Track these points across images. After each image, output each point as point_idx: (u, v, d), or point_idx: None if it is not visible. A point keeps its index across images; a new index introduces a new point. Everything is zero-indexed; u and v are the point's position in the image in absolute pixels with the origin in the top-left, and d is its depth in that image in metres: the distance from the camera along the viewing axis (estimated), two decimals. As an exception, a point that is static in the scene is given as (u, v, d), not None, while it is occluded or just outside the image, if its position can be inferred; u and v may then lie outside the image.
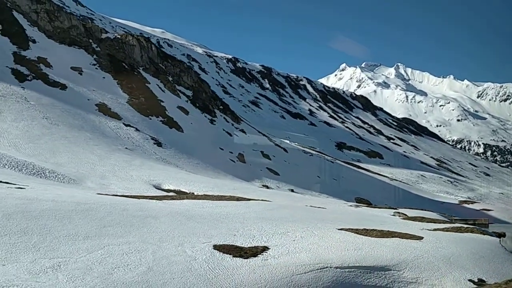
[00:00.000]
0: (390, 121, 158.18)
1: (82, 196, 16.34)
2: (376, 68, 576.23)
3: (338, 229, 14.85)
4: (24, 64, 47.02)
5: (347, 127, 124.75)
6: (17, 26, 53.68)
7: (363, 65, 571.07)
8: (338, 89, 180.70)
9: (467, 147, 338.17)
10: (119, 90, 51.53)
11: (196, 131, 50.97)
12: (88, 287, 8.60)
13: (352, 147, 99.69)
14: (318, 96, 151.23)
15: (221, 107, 63.79)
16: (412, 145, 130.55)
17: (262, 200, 22.03)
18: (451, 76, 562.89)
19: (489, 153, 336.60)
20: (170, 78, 60.47)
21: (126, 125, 42.91)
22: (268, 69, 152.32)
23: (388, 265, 11.38)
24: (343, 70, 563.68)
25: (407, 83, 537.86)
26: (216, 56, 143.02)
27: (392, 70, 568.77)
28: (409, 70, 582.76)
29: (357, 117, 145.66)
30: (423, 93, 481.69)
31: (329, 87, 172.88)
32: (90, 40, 58.33)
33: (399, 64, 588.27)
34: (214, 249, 11.43)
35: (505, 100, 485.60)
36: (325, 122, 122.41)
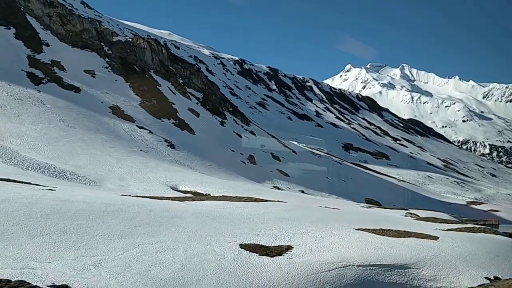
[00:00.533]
0: (396, 122, 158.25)
1: (109, 198, 16.95)
2: (381, 69, 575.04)
3: (356, 229, 15.19)
4: (39, 67, 47.87)
5: (353, 128, 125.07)
6: (31, 29, 54.56)
7: (368, 66, 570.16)
8: (344, 90, 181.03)
9: (472, 148, 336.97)
10: (131, 93, 52.31)
11: (207, 133, 51.62)
12: (130, 282, 8.99)
13: (359, 148, 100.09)
14: (324, 97, 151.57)
15: (230, 109, 64.46)
16: (418, 146, 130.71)
17: (278, 201, 22.54)
18: (457, 77, 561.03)
19: (495, 154, 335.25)
20: (181, 81, 61.24)
21: (140, 128, 43.65)
22: (274, 71, 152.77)
23: (408, 263, 11.72)
24: (348, 71, 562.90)
25: (412, 84, 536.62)
26: (223, 58, 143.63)
27: (397, 71, 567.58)
28: (414, 70, 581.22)
29: (363, 118, 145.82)
30: (429, 94, 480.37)
31: (335, 88, 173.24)
32: (102, 43, 59.18)
33: (404, 64, 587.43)
34: (241, 248, 11.80)
35: (510, 101, 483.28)
36: (331, 123, 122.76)
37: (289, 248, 12.36)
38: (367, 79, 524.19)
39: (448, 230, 16.92)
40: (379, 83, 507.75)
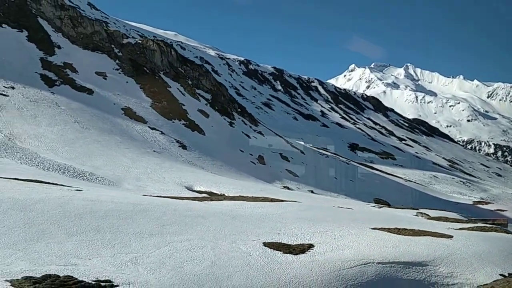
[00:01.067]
0: (401, 122, 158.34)
1: (134, 198, 17.56)
2: (385, 69, 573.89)
3: (371, 228, 15.57)
4: (52, 69, 48.61)
5: (359, 128, 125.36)
6: (42, 32, 55.36)
7: (372, 66, 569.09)
8: (349, 90, 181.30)
9: (477, 148, 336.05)
10: (142, 94, 53.02)
11: (217, 134, 52.26)
12: (166, 278, 9.43)
13: (365, 148, 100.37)
14: (329, 97, 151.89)
15: (239, 109, 65.12)
16: (423, 146, 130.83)
17: (292, 201, 23.09)
18: (461, 76, 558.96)
19: (499, 153, 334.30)
20: (190, 82, 61.96)
21: (152, 129, 44.32)
22: (279, 71, 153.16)
23: (425, 261, 12.09)
24: (352, 70, 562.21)
25: (417, 83, 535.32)
26: (229, 58, 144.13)
27: (401, 71, 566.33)
28: (418, 70, 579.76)
29: (369, 118, 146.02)
30: (433, 94, 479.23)
31: (340, 88, 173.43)
32: (112, 45, 59.92)
33: (408, 64, 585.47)
34: (264, 246, 12.19)
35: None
36: (337, 123, 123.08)
37: (310, 246, 12.70)
38: (371, 78, 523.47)
39: (460, 229, 17.38)
40: (383, 82, 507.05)
